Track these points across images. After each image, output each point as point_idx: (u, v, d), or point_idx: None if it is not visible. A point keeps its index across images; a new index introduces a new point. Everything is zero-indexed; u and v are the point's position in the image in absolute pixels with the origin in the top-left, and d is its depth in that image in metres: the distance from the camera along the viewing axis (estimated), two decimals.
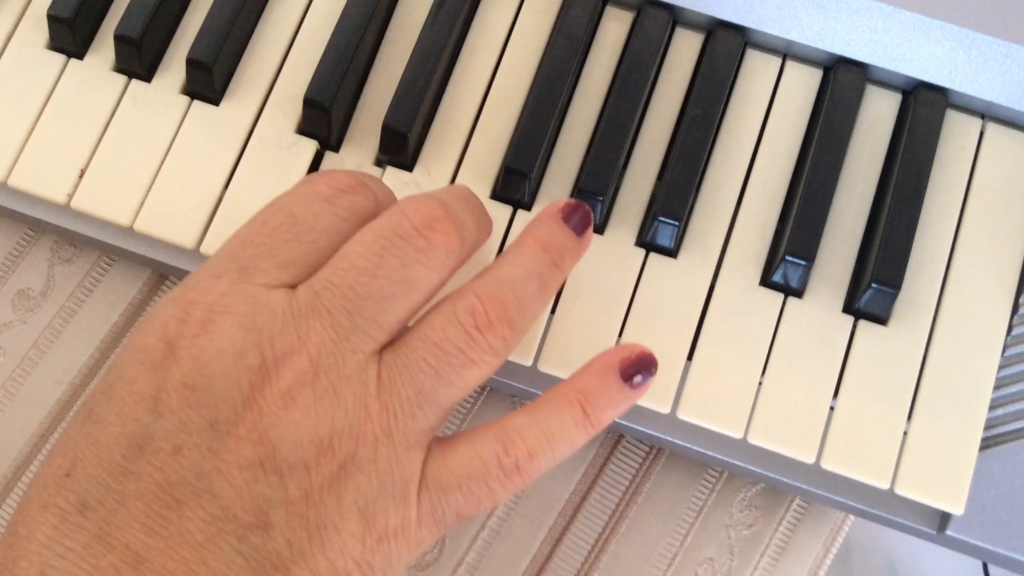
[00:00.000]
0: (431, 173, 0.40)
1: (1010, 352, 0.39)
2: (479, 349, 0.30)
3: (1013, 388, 0.39)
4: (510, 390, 0.41)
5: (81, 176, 0.40)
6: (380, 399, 0.29)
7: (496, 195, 0.40)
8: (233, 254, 0.31)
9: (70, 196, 0.40)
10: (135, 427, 0.28)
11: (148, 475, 0.28)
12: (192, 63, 0.40)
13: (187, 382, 0.29)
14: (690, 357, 0.39)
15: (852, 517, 0.43)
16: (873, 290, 0.38)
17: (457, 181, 0.40)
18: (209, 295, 0.30)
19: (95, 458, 0.28)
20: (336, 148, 0.41)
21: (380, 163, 0.41)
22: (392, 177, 0.40)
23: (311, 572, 0.28)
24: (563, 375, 0.38)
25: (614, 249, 0.39)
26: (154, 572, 0.27)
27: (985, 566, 0.81)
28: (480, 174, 0.40)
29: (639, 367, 0.32)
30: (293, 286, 0.31)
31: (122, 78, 0.41)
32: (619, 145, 0.40)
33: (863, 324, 0.39)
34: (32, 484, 0.29)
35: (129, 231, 0.40)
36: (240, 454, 0.28)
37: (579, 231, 0.34)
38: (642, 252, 0.39)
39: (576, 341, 0.38)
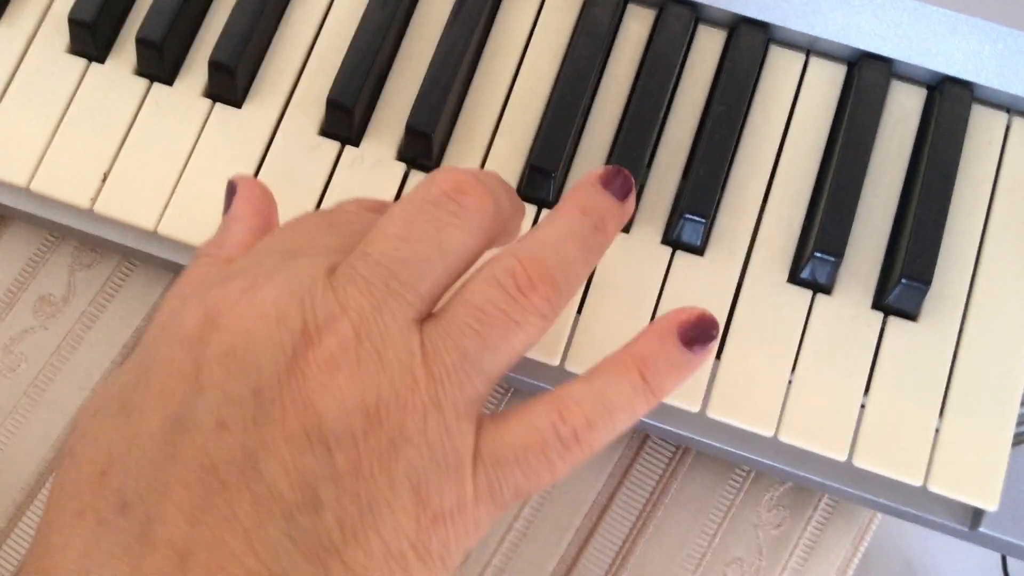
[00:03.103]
0: None
1: None
2: (522, 310, 0.29)
3: None
4: (537, 391, 0.41)
5: (104, 180, 0.40)
6: (425, 366, 0.28)
7: (520, 194, 0.40)
8: (274, 244, 0.31)
9: (93, 200, 0.40)
10: (176, 407, 0.27)
11: (191, 458, 0.26)
12: (215, 66, 0.40)
13: (228, 350, 0.27)
14: (719, 356, 0.38)
15: (880, 515, 0.43)
16: (903, 286, 0.37)
17: None
18: (252, 270, 0.29)
19: (134, 451, 0.27)
20: (356, 143, 0.41)
21: (402, 158, 0.40)
22: (416, 181, 0.40)
23: (364, 554, 0.26)
24: None
25: (640, 247, 0.39)
26: (201, 568, 0.25)
27: (1004, 563, 0.81)
28: (504, 174, 0.40)
29: (699, 329, 0.30)
30: (333, 271, 0.30)
31: (144, 81, 0.41)
32: (644, 143, 0.39)
33: (893, 320, 0.38)
34: (59, 490, 0.28)
35: (152, 235, 0.40)
36: (285, 425, 0.26)
37: (620, 196, 0.32)
38: (669, 250, 0.39)
39: (604, 340, 0.38)
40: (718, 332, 0.31)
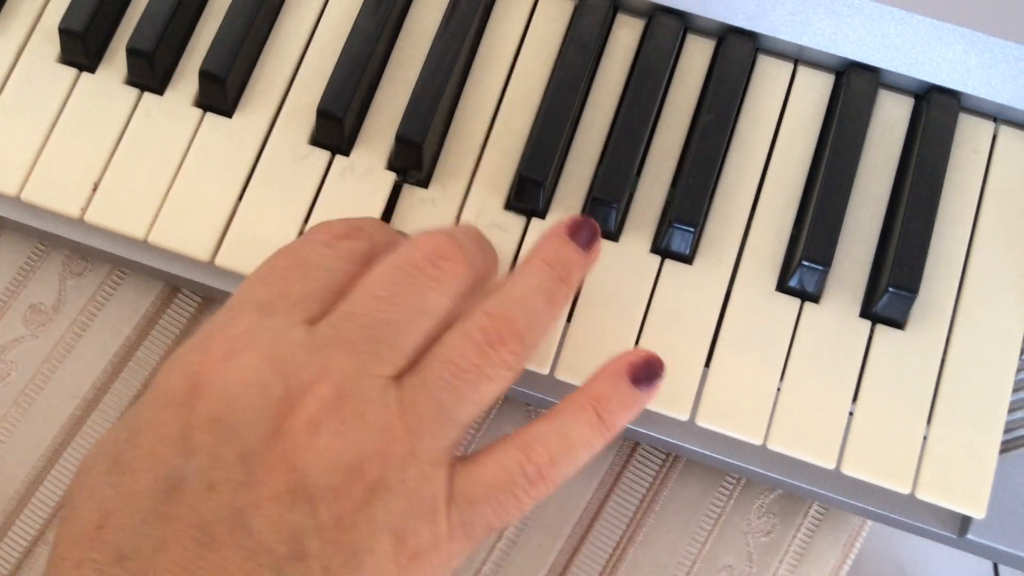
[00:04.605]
0: (445, 187, 0.40)
1: None
2: (492, 364, 0.31)
3: None
4: (527, 399, 0.41)
5: (94, 190, 0.40)
6: (403, 420, 0.30)
7: (511, 204, 0.40)
8: (247, 297, 0.32)
9: (84, 210, 0.40)
10: (167, 469, 0.28)
11: (183, 517, 0.28)
12: (205, 75, 0.40)
13: (215, 416, 0.29)
14: (707, 364, 0.38)
15: (869, 523, 0.43)
16: (890, 294, 0.38)
17: (471, 192, 0.40)
18: (230, 332, 0.31)
19: (128, 507, 0.28)
20: (347, 152, 0.41)
21: (392, 167, 0.41)
22: (408, 195, 0.40)
23: None
24: (580, 383, 0.38)
25: (629, 256, 0.39)
26: None
27: (996, 569, 0.81)
28: (494, 184, 0.40)
29: (646, 370, 0.33)
30: (310, 322, 0.31)
31: (134, 91, 0.41)
32: (633, 152, 0.40)
33: (880, 329, 0.39)
34: (59, 543, 0.29)
35: (142, 244, 0.40)
36: (271, 485, 0.28)
37: (585, 246, 0.35)
38: (657, 259, 0.39)
39: (592, 350, 0.38)
40: (663, 371, 0.34)
